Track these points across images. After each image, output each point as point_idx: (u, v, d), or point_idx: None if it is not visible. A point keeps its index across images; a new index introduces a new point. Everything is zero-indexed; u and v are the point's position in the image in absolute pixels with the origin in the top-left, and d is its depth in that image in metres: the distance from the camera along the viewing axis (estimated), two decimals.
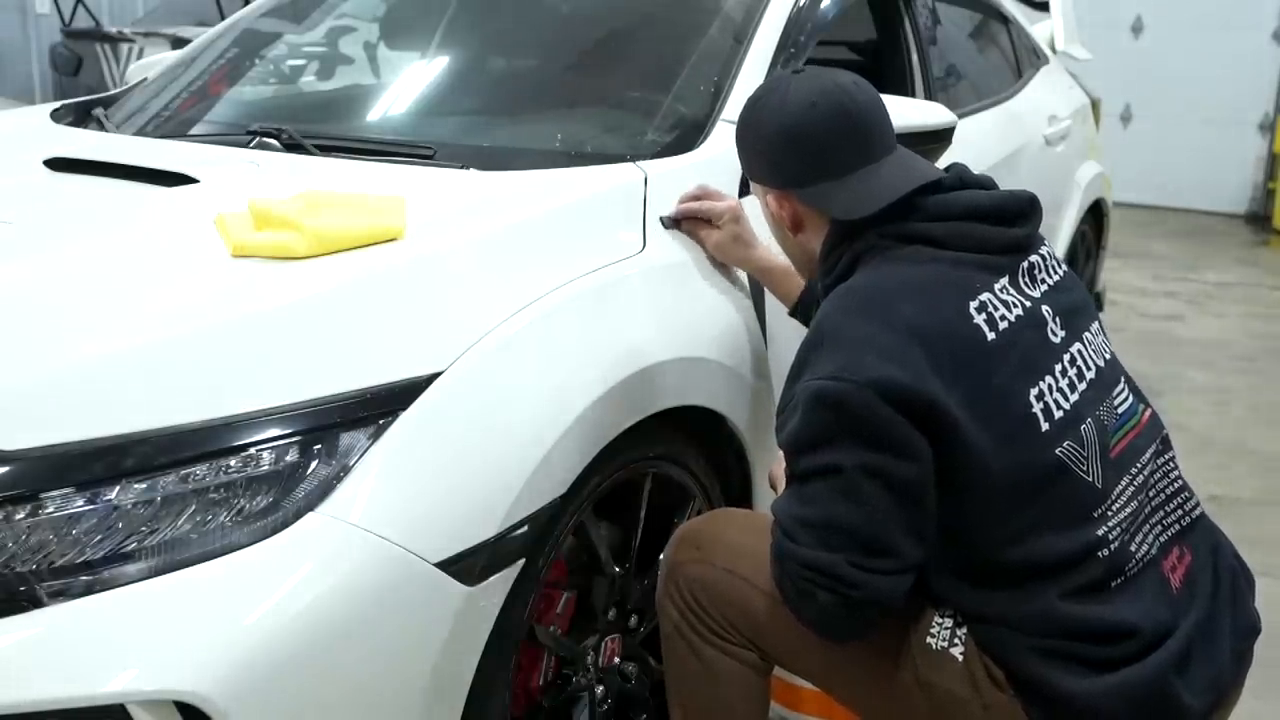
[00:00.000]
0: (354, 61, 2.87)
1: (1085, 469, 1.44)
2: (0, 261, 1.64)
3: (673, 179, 1.97)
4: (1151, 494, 1.53)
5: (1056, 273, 1.58)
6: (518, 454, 1.48)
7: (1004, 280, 1.50)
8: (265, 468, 1.34)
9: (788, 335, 2.10)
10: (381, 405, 1.41)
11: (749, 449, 1.94)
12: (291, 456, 1.35)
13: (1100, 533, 1.43)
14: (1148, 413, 1.61)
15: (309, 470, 1.35)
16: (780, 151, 1.58)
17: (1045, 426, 1.42)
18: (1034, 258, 1.56)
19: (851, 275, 1.53)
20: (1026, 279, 1.53)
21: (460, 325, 1.52)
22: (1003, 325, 1.45)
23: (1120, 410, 1.54)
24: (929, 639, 1.46)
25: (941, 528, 1.42)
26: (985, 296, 1.46)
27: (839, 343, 1.41)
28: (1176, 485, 1.58)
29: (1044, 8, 4.21)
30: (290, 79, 2.82)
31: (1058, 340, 1.50)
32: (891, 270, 1.49)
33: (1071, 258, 3.81)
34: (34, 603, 1.24)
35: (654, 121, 2.20)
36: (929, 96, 2.87)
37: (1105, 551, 1.43)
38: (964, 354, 1.41)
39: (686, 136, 2.10)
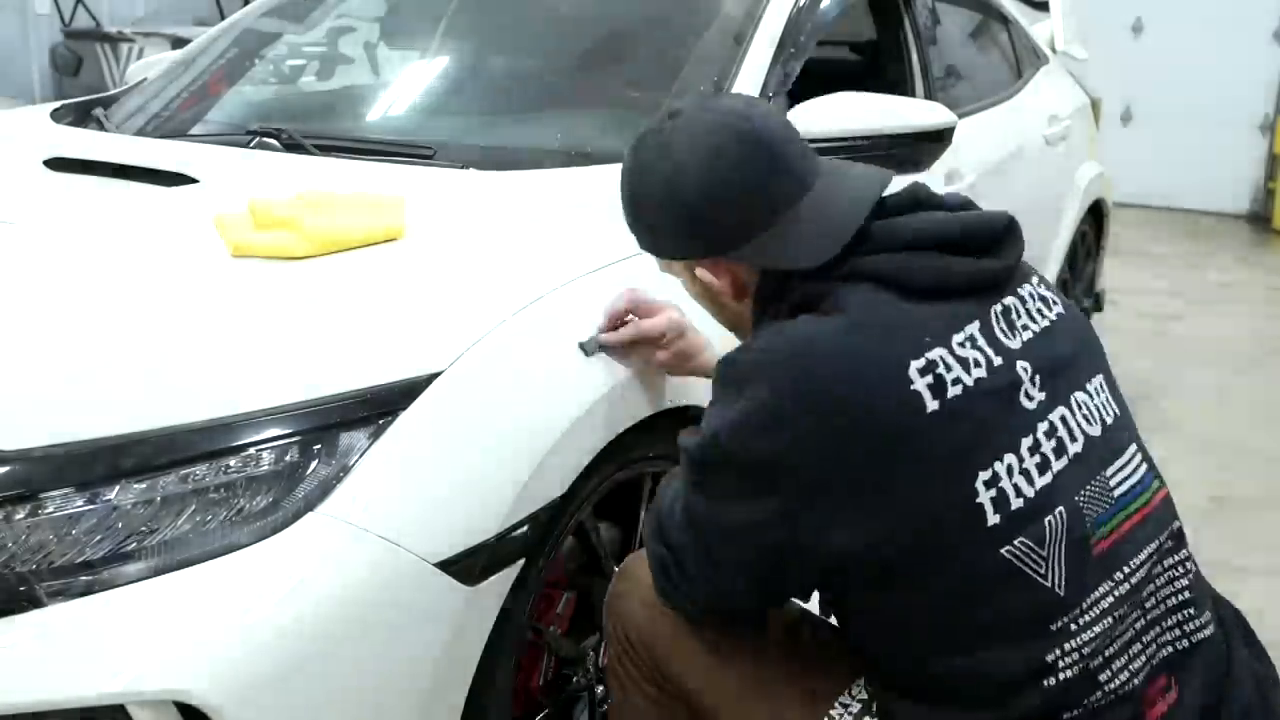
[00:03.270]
0: (354, 61, 2.87)
1: (1043, 572, 1.19)
2: (0, 261, 1.64)
3: None
4: (1147, 604, 1.26)
5: (1046, 315, 1.30)
6: (517, 454, 1.48)
7: (971, 329, 1.23)
8: (265, 468, 1.34)
9: None
10: (381, 405, 1.40)
11: None
12: (291, 456, 1.35)
13: (1050, 658, 1.19)
14: (1160, 494, 1.32)
15: (309, 470, 1.35)
16: (698, 219, 1.31)
17: (994, 520, 1.18)
18: (1012, 299, 1.28)
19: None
20: (1003, 325, 1.26)
21: (460, 325, 1.52)
22: (953, 391, 1.19)
23: (1118, 491, 1.27)
24: (831, 712, 1.31)
25: (873, 623, 1.27)
26: (937, 353, 1.20)
27: (743, 398, 1.22)
28: (1183, 596, 1.29)
29: (1044, 8, 4.21)
30: (290, 79, 2.82)
31: (1033, 406, 1.23)
32: (823, 326, 1.23)
33: (1071, 258, 3.81)
34: (34, 603, 1.24)
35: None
36: (929, 96, 2.87)
37: (1052, 681, 1.19)
38: (891, 429, 1.17)
39: None
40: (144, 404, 1.35)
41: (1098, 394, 1.31)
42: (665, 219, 1.36)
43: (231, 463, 1.34)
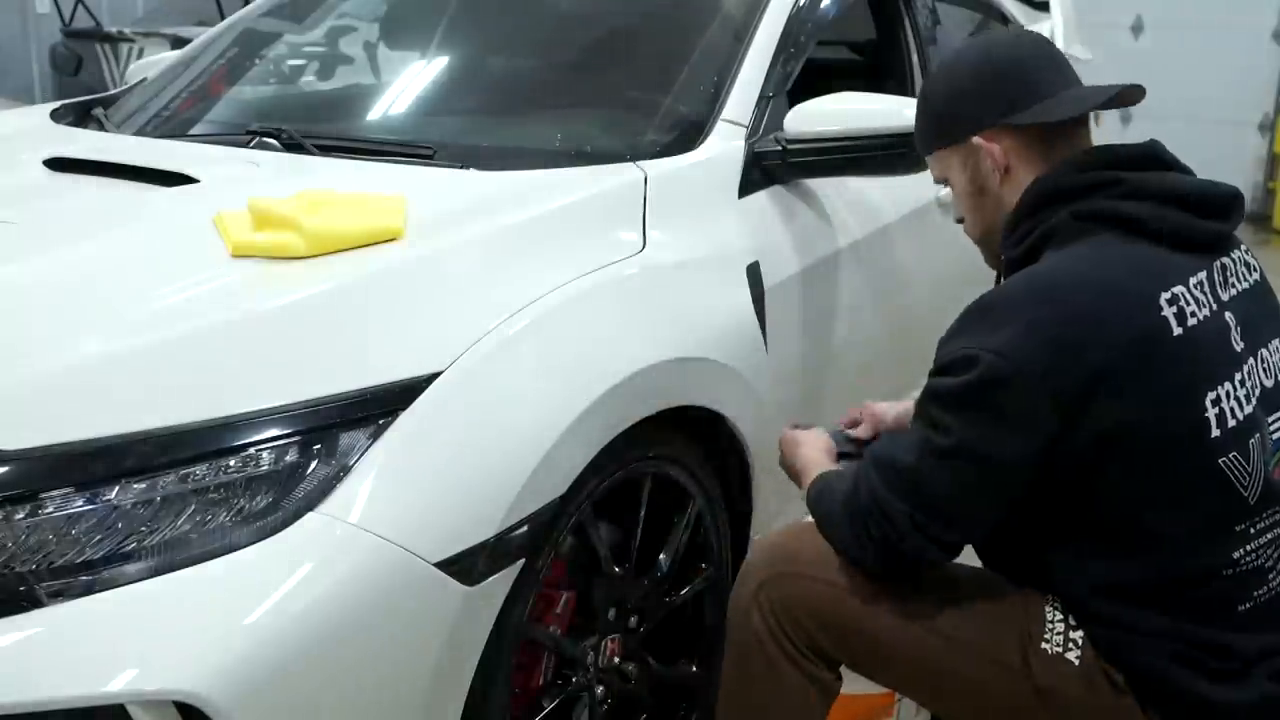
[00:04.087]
0: (354, 61, 2.87)
1: (1245, 484, 1.39)
2: (0, 261, 1.64)
3: (673, 179, 1.97)
4: None
5: (1248, 278, 1.51)
6: (517, 454, 1.48)
7: (1200, 275, 1.43)
8: (265, 468, 1.34)
9: (787, 335, 2.10)
10: (381, 405, 1.40)
11: (749, 449, 1.94)
12: (291, 456, 1.35)
13: (1236, 554, 1.39)
14: None
15: (309, 470, 1.35)
16: (992, 81, 1.54)
17: (1216, 433, 1.37)
18: (1227, 259, 1.49)
19: (1039, 256, 1.47)
20: (1220, 278, 1.46)
21: (460, 325, 1.52)
22: (1191, 322, 1.39)
23: (1276, 435, 1.46)
24: (1044, 644, 1.43)
25: (1082, 520, 1.41)
26: (1179, 289, 1.40)
27: (1009, 320, 1.38)
28: None
29: (1044, 8, 4.21)
30: (290, 79, 2.82)
31: (1238, 350, 1.44)
32: (1080, 256, 1.43)
33: None
34: (33, 603, 1.24)
35: (654, 121, 2.20)
36: None
37: (1231, 572, 1.39)
38: (1144, 348, 1.36)
39: (686, 136, 2.10)
40: (144, 404, 1.35)
41: (1274, 354, 1.51)
42: (961, 85, 1.58)
43: (231, 463, 1.34)
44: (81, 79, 6.34)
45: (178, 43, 5.22)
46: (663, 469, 1.81)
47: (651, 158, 2.01)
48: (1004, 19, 3.79)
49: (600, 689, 1.79)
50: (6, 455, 1.29)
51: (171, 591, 1.26)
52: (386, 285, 1.56)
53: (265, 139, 2.14)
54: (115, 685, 1.19)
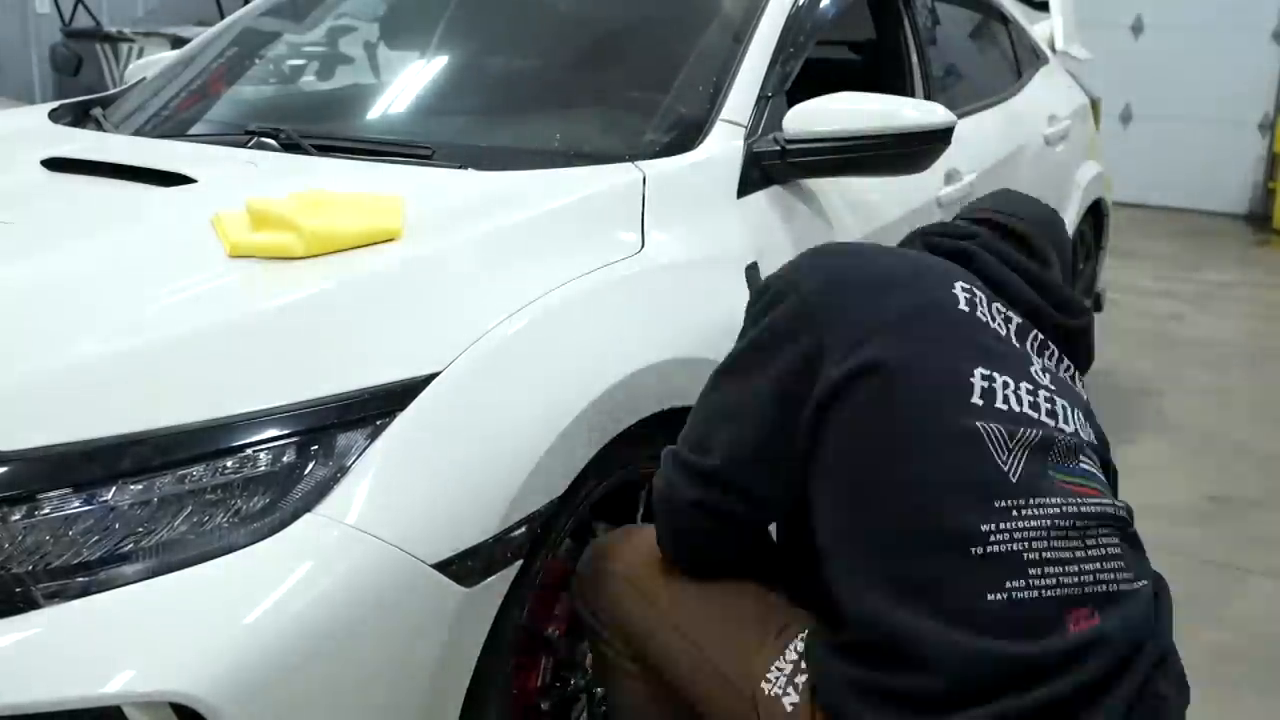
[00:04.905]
0: (354, 61, 2.87)
1: (1004, 458, 1.30)
2: None
3: (672, 179, 1.96)
4: (1088, 542, 1.31)
5: (1063, 371, 1.49)
6: (515, 455, 1.48)
7: (1014, 316, 1.46)
8: (262, 468, 1.34)
9: None
10: (379, 406, 1.40)
11: None
12: (288, 457, 1.35)
13: (985, 528, 1.26)
14: (1110, 504, 1.37)
15: (306, 471, 1.35)
16: None
17: (978, 401, 1.32)
18: (1054, 344, 1.48)
19: None
20: (1035, 342, 1.46)
21: (458, 326, 1.52)
22: (981, 317, 1.41)
23: (1083, 468, 1.37)
24: (764, 684, 1.37)
25: (824, 492, 1.35)
26: (980, 296, 1.43)
27: (813, 258, 1.46)
28: (1120, 559, 1.33)
29: (1044, 8, 4.21)
30: (289, 79, 2.81)
31: (1044, 380, 1.41)
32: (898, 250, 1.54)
33: (1071, 257, 3.81)
34: (30, 604, 1.24)
35: (652, 121, 2.20)
36: (928, 96, 2.87)
37: (980, 550, 1.26)
38: (926, 309, 1.38)
39: (685, 136, 2.10)
40: (141, 404, 1.34)
41: (1075, 417, 1.43)
42: None
43: (229, 463, 1.33)
44: (81, 79, 6.34)
45: (178, 43, 5.22)
46: None
47: (650, 158, 2.01)
48: (1004, 19, 3.79)
49: (598, 691, 1.78)
50: (3, 456, 1.29)
51: (168, 593, 1.26)
52: (384, 286, 1.56)
53: (264, 139, 2.14)
54: (111, 687, 1.19)
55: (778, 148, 2.10)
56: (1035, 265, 1.55)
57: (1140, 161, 7.44)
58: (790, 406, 1.35)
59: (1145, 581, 1.35)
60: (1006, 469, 1.30)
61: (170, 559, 1.28)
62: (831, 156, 2.11)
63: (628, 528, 1.67)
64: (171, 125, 2.46)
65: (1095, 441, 1.45)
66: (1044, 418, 1.36)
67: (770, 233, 2.09)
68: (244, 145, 2.14)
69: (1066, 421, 1.39)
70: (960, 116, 2.29)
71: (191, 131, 2.43)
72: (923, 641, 1.24)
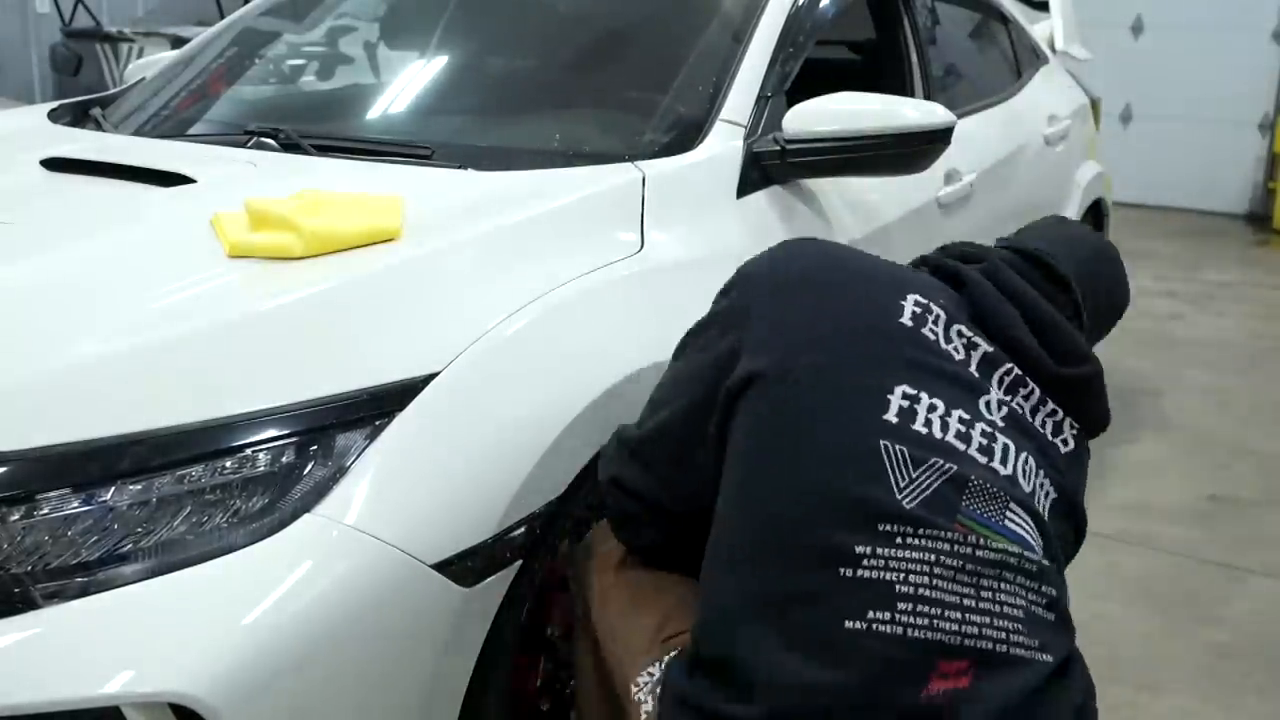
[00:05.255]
0: (353, 61, 2.87)
1: (903, 484, 1.20)
2: None
3: (671, 179, 1.96)
4: (983, 593, 1.19)
5: (1040, 417, 1.37)
6: (515, 455, 1.47)
7: (980, 343, 1.35)
8: (261, 469, 1.34)
9: None
10: (378, 406, 1.40)
11: None
12: (288, 458, 1.35)
13: (859, 549, 1.16)
14: (1040, 568, 1.24)
15: (305, 471, 1.35)
16: None
17: (891, 418, 1.23)
18: (1039, 396, 1.36)
19: None
20: (1003, 374, 1.35)
21: (457, 326, 1.52)
22: (927, 334, 1.31)
23: (1009, 525, 1.23)
24: (633, 687, 1.34)
25: (720, 484, 1.30)
26: (938, 312, 1.34)
27: (769, 252, 1.44)
28: (1023, 619, 1.20)
29: (1044, 8, 4.21)
30: (289, 79, 2.81)
31: (990, 415, 1.30)
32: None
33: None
34: (29, 604, 1.24)
35: (652, 121, 2.19)
36: (928, 96, 2.86)
37: (847, 573, 1.15)
38: (860, 319, 1.31)
39: (685, 136, 2.10)
40: (140, 404, 1.34)
41: (1027, 464, 1.31)
42: None
43: (227, 464, 1.33)
44: (81, 79, 6.34)
45: (178, 43, 5.22)
46: None
47: (650, 158, 2.01)
48: (1004, 19, 3.79)
49: None
50: (2, 456, 1.29)
51: (167, 593, 1.26)
52: (384, 286, 1.56)
53: (263, 139, 2.14)
54: (111, 687, 1.19)
55: (777, 148, 2.10)
56: (1045, 304, 1.41)
57: (1140, 161, 7.44)
58: (710, 393, 1.33)
59: (1049, 657, 1.18)
60: (901, 495, 1.19)
61: (169, 559, 1.28)
62: (831, 156, 2.10)
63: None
64: (171, 125, 2.46)
65: (1051, 496, 1.31)
66: (972, 451, 1.25)
67: (770, 233, 2.09)
68: (243, 145, 2.14)
69: (1003, 463, 1.27)
70: (960, 116, 2.29)
71: (191, 131, 2.43)
72: (756, 667, 1.16)
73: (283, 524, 1.31)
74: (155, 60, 2.98)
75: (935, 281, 1.43)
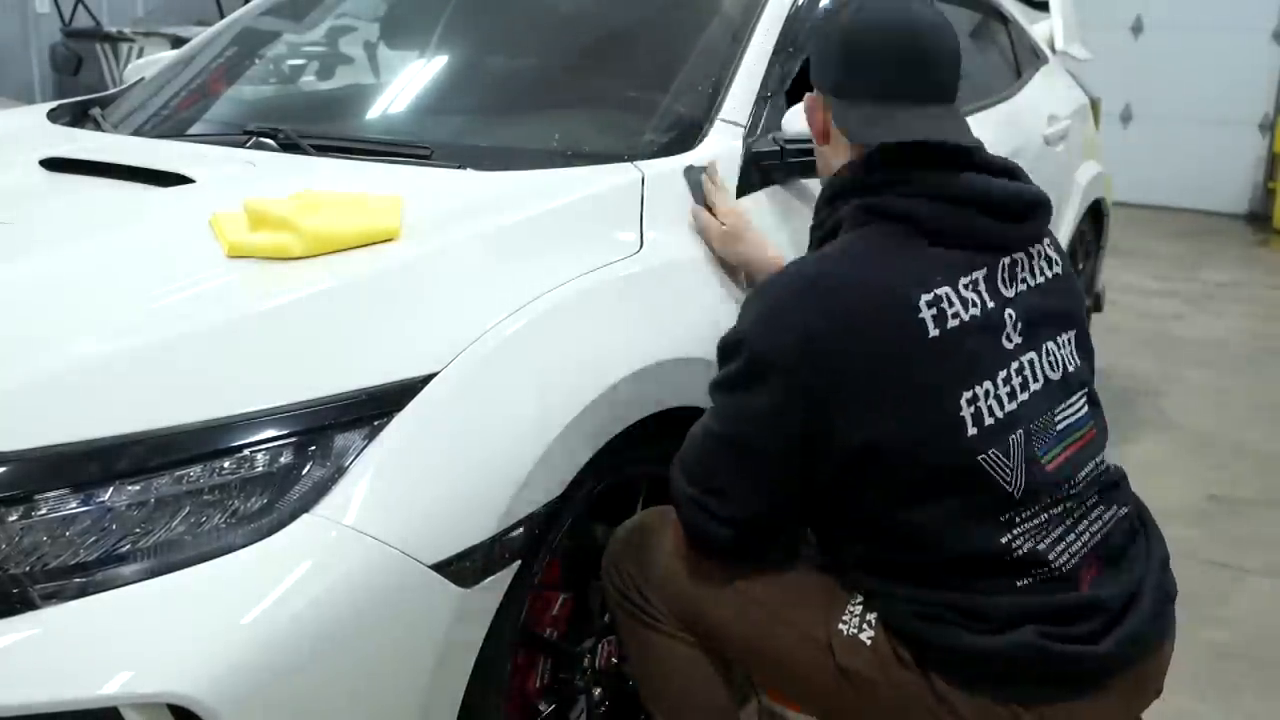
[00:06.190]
0: (353, 61, 2.87)
1: (1007, 479, 1.43)
2: None
3: (670, 179, 1.96)
4: (1086, 504, 1.52)
5: (1045, 272, 1.56)
6: (514, 455, 1.47)
7: (977, 275, 1.48)
8: (260, 469, 1.34)
9: None
10: (377, 406, 1.40)
11: None
12: (286, 458, 1.35)
13: (1005, 540, 1.43)
14: (1091, 433, 1.57)
15: (304, 472, 1.35)
16: (835, 51, 1.58)
17: (972, 431, 1.42)
18: (1021, 254, 1.53)
19: (835, 237, 1.54)
20: (1005, 276, 1.51)
21: (456, 326, 1.51)
22: (952, 324, 1.43)
23: (1061, 425, 1.51)
24: (840, 625, 1.49)
25: (851, 516, 1.48)
26: (943, 290, 1.44)
27: (773, 312, 1.45)
28: (1109, 500, 1.56)
29: (1044, 8, 4.21)
30: (289, 79, 2.81)
31: (1010, 346, 1.48)
32: (853, 253, 1.49)
33: (1071, 258, 3.80)
34: (27, 605, 1.23)
35: (651, 121, 2.19)
36: None
37: (1009, 558, 1.43)
38: (896, 353, 1.40)
39: (684, 136, 2.10)
40: (138, 405, 1.34)
41: (1064, 346, 1.55)
42: (823, 36, 1.63)
43: (226, 464, 1.33)
44: (81, 79, 6.35)
45: (178, 43, 5.22)
46: (660, 470, 1.80)
47: (649, 158, 2.00)
48: (1004, 19, 3.79)
49: (597, 691, 1.78)
50: (0, 456, 1.29)
51: (166, 594, 1.25)
52: (383, 286, 1.56)
53: (262, 139, 2.14)
54: (109, 688, 1.18)
55: (777, 148, 2.10)
56: (975, 177, 1.53)
57: (1140, 161, 7.44)
58: (800, 467, 1.45)
59: (1128, 509, 1.56)
60: (1010, 488, 1.43)
61: (168, 560, 1.28)
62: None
63: (662, 509, 1.68)
64: (170, 125, 2.46)
65: (1073, 357, 1.55)
66: (1026, 401, 1.47)
67: (769, 233, 2.09)
68: (242, 145, 2.14)
69: (1040, 372, 1.49)
70: None
71: (190, 131, 2.43)
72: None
73: (281, 524, 1.31)
74: (155, 60, 2.98)
75: (916, 253, 1.47)
